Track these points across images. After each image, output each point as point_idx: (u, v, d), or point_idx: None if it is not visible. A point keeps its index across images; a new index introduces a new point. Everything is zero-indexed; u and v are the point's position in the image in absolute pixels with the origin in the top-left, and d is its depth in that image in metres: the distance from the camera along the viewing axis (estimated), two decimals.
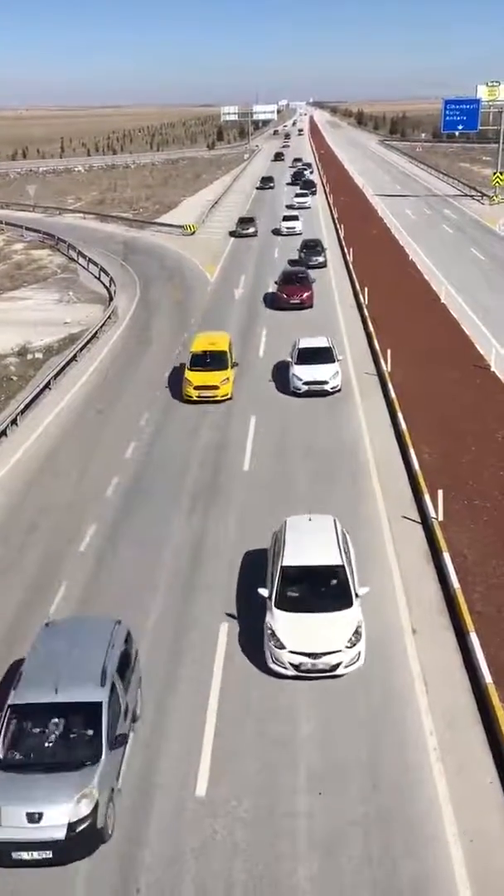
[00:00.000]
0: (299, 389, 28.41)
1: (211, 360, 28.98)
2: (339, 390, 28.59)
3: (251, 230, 61.58)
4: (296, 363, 28.98)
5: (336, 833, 11.73)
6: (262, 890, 10.97)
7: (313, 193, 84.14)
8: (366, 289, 41.44)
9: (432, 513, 19.60)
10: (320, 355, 28.97)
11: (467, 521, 19.49)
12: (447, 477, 21.39)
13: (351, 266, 49.14)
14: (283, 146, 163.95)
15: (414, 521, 20.04)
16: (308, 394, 28.18)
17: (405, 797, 12.30)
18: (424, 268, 48.92)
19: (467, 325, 36.37)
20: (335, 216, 69.10)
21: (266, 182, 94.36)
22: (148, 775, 12.90)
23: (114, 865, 11.43)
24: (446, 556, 17.80)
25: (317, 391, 28.18)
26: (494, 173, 78.77)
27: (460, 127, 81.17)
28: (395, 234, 60.60)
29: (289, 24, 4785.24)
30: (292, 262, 46.61)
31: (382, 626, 16.09)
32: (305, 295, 40.23)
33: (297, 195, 78.81)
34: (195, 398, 28.32)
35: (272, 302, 41.71)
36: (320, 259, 49.38)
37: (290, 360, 29.77)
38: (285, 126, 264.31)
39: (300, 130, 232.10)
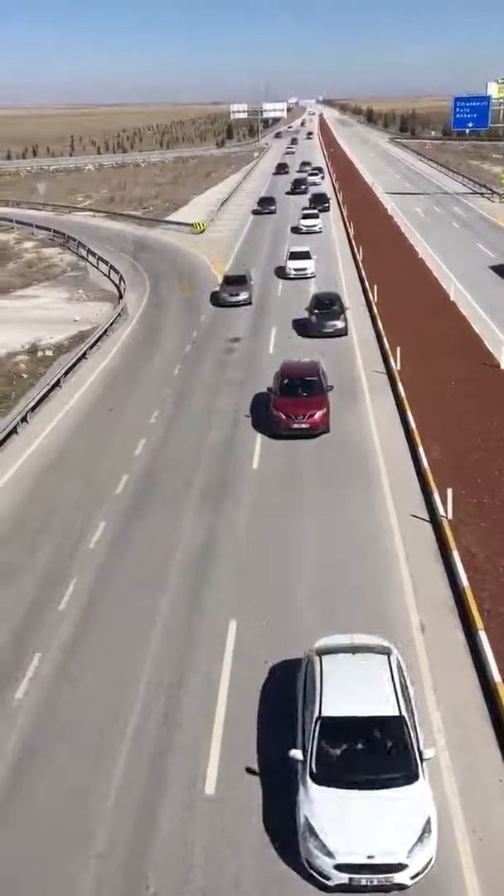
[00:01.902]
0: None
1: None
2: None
3: (241, 297, 41.80)
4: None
5: None
6: None
7: (325, 210, 70.80)
8: (375, 286, 41.39)
9: (441, 511, 19.58)
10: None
11: (477, 520, 19.45)
12: (456, 475, 21.35)
13: (360, 264, 49.08)
14: (288, 151, 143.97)
15: (423, 519, 20.02)
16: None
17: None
18: (434, 265, 48.81)
19: (477, 322, 36.28)
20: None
21: (265, 205, 75.29)
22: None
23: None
24: (455, 555, 17.78)
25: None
26: None
27: (470, 124, 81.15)
28: (405, 232, 60.50)
29: (298, 22, 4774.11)
30: (319, 317, 35.53)
31: (391, 625, 16.10)
32: (318, 415, 24.60)
33: (305, 216, 64.23)
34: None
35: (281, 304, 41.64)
36: (339, 325, 35.24)
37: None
38: (290, 127, 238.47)
39: (309, 134, 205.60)
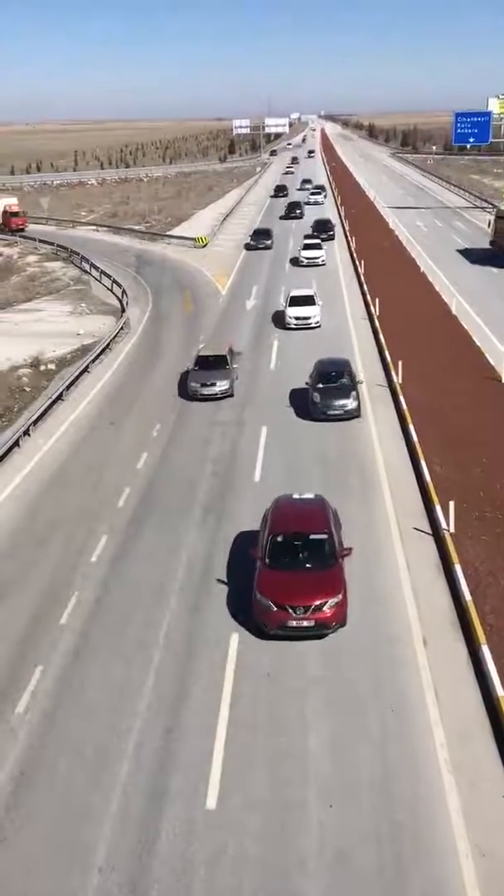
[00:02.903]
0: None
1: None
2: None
3: (218, 387, 30.00)
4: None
5: (347, 846, 11.69)
6: None
7: (330, 238, 63.57)
8: (377, 300, 41.51)
9: (444, 524, 19.55)
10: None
11: (479, 533, 19.42)
12: (458, 488, 21.34)
13: (362, 278, 49.24)
14: (288, 171, 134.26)
15: (425, 532, 20.00)
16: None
17: (416, 811, 12.23)
18: (435, 279, 48.96)
19: (478, 336, 36.34)
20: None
21: (260, 238, 63.73)
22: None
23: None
24: (458, 569, 17.74)
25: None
26: None
27: (471, 139, 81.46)
28: (407, 246, 60.73)
29: (300, 38, 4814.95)
30: (324, 395, 27.13)
31: (394, 638, 16.06)
32: (329, 612, 15.80)
33: (307, 246, 56.08)
34: None
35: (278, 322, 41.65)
36: (349, 405, 26.87)
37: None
38: (289, 145, 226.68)
39: (310, 152, 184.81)
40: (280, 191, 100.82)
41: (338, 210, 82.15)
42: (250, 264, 57.80)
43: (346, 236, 65.05)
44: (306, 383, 28.39)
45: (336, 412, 26.82)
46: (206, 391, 29.89)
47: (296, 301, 39.67)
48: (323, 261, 54.43)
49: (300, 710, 14.33)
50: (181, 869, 11.49)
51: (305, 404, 27.88)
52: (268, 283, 50.74)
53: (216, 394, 29.85)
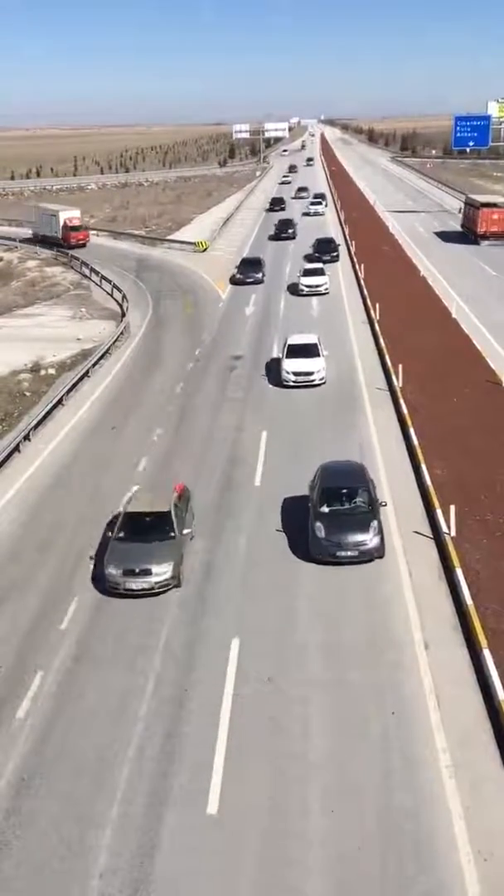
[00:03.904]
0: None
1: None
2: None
3: (151, 580, 17.95)
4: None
5: (349, 851, 11.66)
6: None
7: (334, 260, 56.30)
8: (377, 304, 41.53)
9: (445, 528, 19.54)
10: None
11: (480, 537, 19.41)
12: (459, 492, 21.32)
13: (362, 282, 49.29)
14: (284, 181, 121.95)
15: (426, 536, 19.98)
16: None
17: (417, 816, 12.20)
18: (435, 283, 49.00)
19: (478, 340, 36.36)
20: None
21: (249, 270, 52.04)
22: None
23: None
24: (459, 572, 17.72)
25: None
26: None
27: (471, 143, 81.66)
28: (406, 250, 60.80)
29: (302, 43, 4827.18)
30: (331, 523, 19.21)
31: (395, 642, 16.04)
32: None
33: (307, 272, 48.43)
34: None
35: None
36: (368, 542, 18.83)
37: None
38: (285, 151, 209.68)
39: (309, 160, 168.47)
40: (276, 204, 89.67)
41: (338, 217, 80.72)
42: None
43: (349, 249, 65.00)
44: (310, 506, 19.95)
45: (349, 553, 18.64)
46: (134, 584, 17.95)
47: (294, 351, 31.75)
48: (326, 289, 46.90)
49: (302, 714, 14.30)
50: (182, 872, 11.47)
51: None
52: (267, 289, 50.75)
53: (151, 588, 17.95)
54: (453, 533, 19.31)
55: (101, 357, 37.02)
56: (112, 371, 35.82)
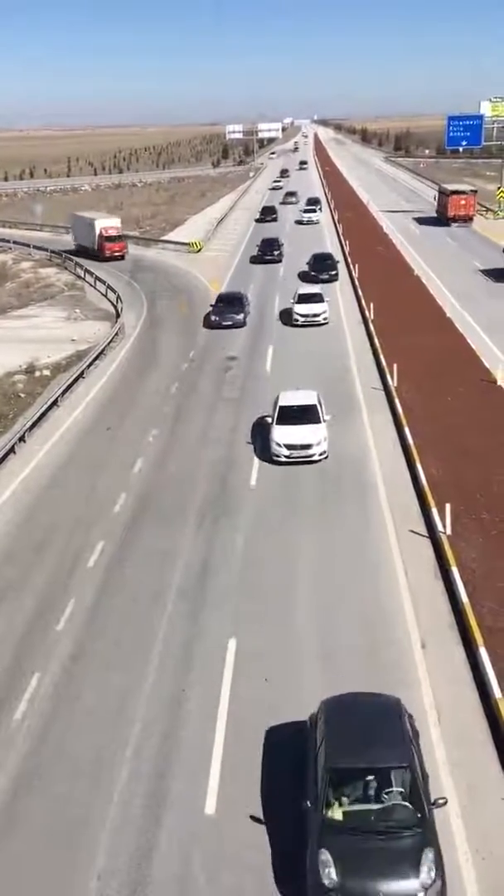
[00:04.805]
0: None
1: None
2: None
3: None
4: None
5: None
6: None
7: (333, 279, 49.46)
8: (371, 304, 41.56)
9: (440, 527, 19.57)
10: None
11: (475, 536, 19.45)
12: (455, 491, 21.36)
13: (357, 282, 49.31)
14: (275, 186, 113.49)
15: (422, 535, 20.01)
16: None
17: None
18: (430, 282, 49.05)
19: (473, 339, 36.42)
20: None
21: (226, 312, 41.33)
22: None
23: None
24: (455, 571, 17.76)
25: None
26: (499, 188, 79.01)
27: (464, 143, 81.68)
28: (400, 250, 60.86)
29: (294, 44, 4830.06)
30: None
31: (392, 641, 16.06)
32: None
33: (302, 297, 40.78)
34: None
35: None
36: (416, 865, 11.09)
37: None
38: (273, 154, 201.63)
39: (302, 163, 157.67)
40: (267, 214, 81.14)
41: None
42: (244, 270, 57.79)
43: (343, 249, 65.03)
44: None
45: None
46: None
47: (287, 416, 24.93)
48: (326, 318, 39.65)
49: (300, 718, 14.31)
50: (180, 874, 11.46)
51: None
52: (263, 286, 50.73)
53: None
54: (449, 532, 19.34)
55: (96, 358, 36.99)
56: (107, 372, 35.79)
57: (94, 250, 64.41)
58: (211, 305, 42.95)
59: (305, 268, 51.74)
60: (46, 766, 13.57)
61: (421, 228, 72.60)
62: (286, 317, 41.58)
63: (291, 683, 15.12)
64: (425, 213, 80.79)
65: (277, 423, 24.90)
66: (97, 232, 64.22)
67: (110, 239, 64.19)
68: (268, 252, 58.76)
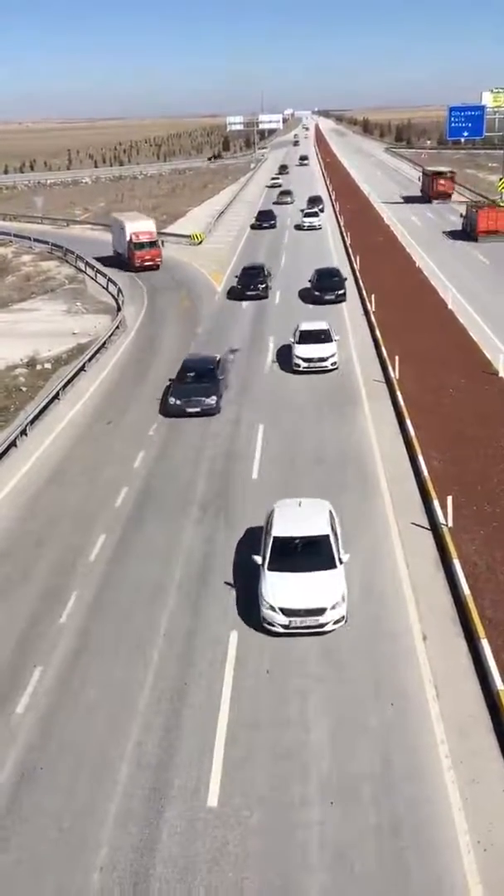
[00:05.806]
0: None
1: None
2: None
3: None
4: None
5: (349, 841, 11.69)
6: None
7: (340, 299, 42.63)
8: (373, 295, 41.45)
9: (442, 519, 19.55)
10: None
11: (477, 528, 19.43)
12: (456, 483, 21.34)
13: (358, 273, 49.17)
14: (274, 183, 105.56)
15: (423, 527, 19.99)
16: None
17: (417, 806, 12.23)
18: (431, 274, 48.92)
19: (475, 330, 36.33)
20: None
21: (189, 394, 28.33)
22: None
23: None
24: (456, 563, 17.75)
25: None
26: (500, 179, 78.71)
27: (466, 133, 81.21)
28: (401, 241, 60.68)
29: (293, 34, 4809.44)
30: None
31: (393, 634, 16.06)
32: None
33: (304, 335, 32.64)
34: None
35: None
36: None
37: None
38: (264, 152, 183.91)
39: (302, 158, 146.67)
40: (264, 219, 71.44)
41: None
42: (246, 261, 57.63)
43: (345, 243, 64.83)
44: None
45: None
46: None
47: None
48: (334, 363, 31.82)
49: (300, 706, 14.32)
50: (183, 867, 11.49)
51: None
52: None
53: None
54: (451, 524, 19.33)
55: (97, 351, 36.93)
56: (108, 365, 35.74)
57: (125, 258, 56.38)
58: (169, 380, 30.62)
59: (307, 284, 45.05)
60: (49, 759, 13.59)
61: (411, 207, 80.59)
62: (284, 356, 33.76)
63: (292, 670, 15.13)
64: (435, 213, 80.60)
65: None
66: (128, 237, 55.83)
67: (140, 246, 55.21)
68: (250, 286, 45.24)
